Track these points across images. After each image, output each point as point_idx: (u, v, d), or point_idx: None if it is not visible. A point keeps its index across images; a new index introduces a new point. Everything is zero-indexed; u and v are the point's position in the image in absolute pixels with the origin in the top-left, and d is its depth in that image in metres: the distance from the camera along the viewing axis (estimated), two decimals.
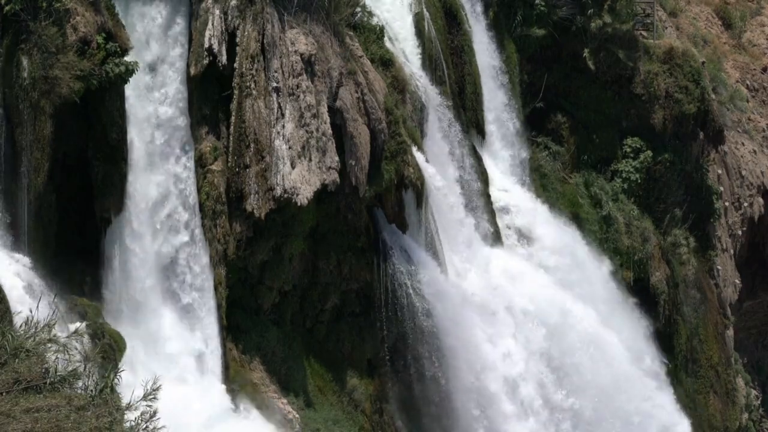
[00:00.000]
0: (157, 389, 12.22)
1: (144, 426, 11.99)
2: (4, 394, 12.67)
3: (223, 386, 28.74)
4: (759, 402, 49.98)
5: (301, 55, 29.87)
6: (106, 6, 26.38)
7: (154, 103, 28.27)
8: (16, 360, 12.95)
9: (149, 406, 12.21)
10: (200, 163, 29.01)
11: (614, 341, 37.96)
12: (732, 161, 48.55)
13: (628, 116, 43.32)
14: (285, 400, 30.04)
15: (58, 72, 25.00)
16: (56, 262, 25.79)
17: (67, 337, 13.00)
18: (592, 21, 41.78)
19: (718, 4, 54.78)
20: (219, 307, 28.90)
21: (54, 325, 13.36)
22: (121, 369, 16.76)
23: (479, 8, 39.88)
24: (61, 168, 26.04)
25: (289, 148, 29.25)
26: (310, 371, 31.33)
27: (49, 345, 12.89)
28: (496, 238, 37.33)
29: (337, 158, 30.01)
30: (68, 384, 13.15)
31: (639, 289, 41.89)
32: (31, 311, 13.72)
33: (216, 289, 28.91)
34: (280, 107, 29.45)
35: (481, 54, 38.90)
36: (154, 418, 12.10)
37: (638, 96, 43.22)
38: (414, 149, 33.11)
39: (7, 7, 24.80)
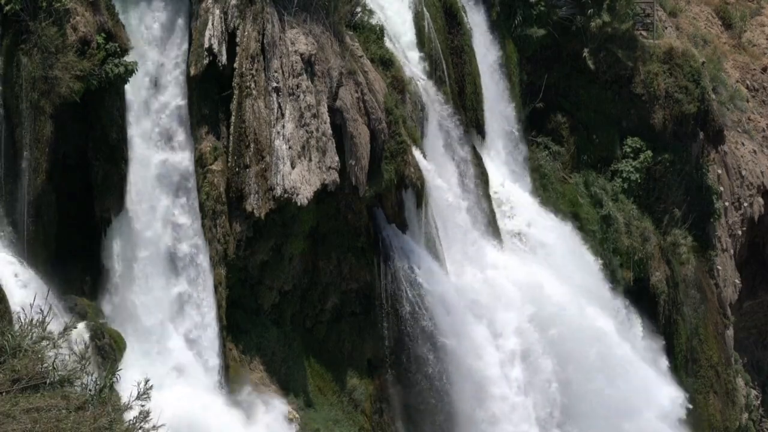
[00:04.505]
0: (150, 388, 12.23)
1: (141, 426, 12.00)
2: (3, 394, 12.67)
3: (223, 386, 28.73)
4: (759, 402, 49.97)
5: (301, 55, 29.87)
6: (106, 6, 26.35)
7: (154, 103, 28.28)
8: (15, 360, 12.95)
9: (143, 405, 12.23)
10: (200, 163, 28.99)
11: (612, 329, 38.02)
12: (732, 161, 48.53)
13: (628, 116, 43.30)
14: (285, 400, 30.04)
15: (58, 72, 24.98)
16: (56, 262, 25.78)
17: (61, 333, 13.00)
18: (591, 21, 41.78)
19: (718, 4, 54.75)
20: (219, 307, 28.88)
21: (49, 322, 13.36)
22: (120, 368, 16.76)
23: (479, 8, 39.86)
24: (61, 168, 26.01)
25: (289, 148, 29.24)
26: (310, 371, 31.33)
27: (44, 342, 12.89)
28: (496, 238, 37.32)
29: (337, 158, 30.00)
30: (68, 383, 13.15)
31: (639, 289, 41.89)
32: (23, 309, 13.71)
33: (216, 289, 28.89)
34: (280, 107, 29.44)
35: (481, 54, 38.89)
36: (148, 418, 12.11)
37: (638, 96, 43.21)
38: (414, 149, 33.10)
39: (7, 7, 24.78)
